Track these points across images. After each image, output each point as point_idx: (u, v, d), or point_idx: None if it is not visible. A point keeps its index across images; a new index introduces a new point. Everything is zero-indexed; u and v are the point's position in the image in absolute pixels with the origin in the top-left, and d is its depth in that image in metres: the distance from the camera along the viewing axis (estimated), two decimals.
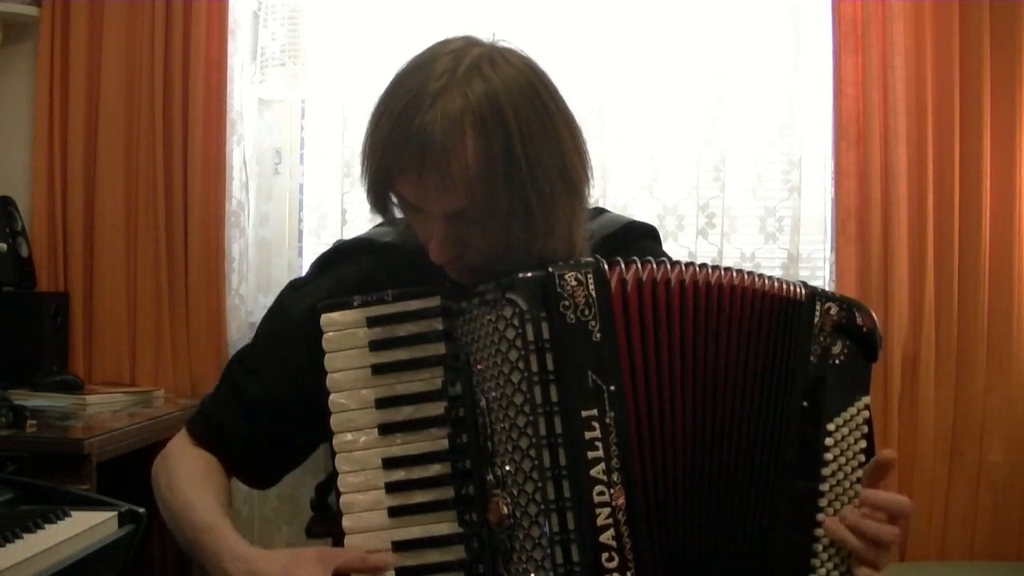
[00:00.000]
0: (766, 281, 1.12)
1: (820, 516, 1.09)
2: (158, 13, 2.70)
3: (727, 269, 1.12)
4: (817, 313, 1.12)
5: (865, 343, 1.12)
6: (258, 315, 2.81)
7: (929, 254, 2.59)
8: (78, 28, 2.74)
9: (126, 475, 2.10)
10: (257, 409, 1.24)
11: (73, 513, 1.42)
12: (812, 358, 1.11)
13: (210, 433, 1.27)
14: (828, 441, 1.10)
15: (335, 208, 2.83)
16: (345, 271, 1.26)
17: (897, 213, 2.59)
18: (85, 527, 1.38)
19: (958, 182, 2.59)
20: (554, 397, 1.03)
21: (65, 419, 2.26)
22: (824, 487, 1.10)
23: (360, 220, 2.74)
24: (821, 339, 1.11)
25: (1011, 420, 2.59)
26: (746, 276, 1.12)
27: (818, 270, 2.78)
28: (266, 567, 1.07)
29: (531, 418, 1.03)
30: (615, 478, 1.03)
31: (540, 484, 1.02)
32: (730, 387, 1.10)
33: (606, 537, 1.02)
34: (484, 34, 1.17)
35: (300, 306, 1.23)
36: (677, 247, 2.74)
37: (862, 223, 2.62)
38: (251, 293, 2.85)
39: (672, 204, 2.76)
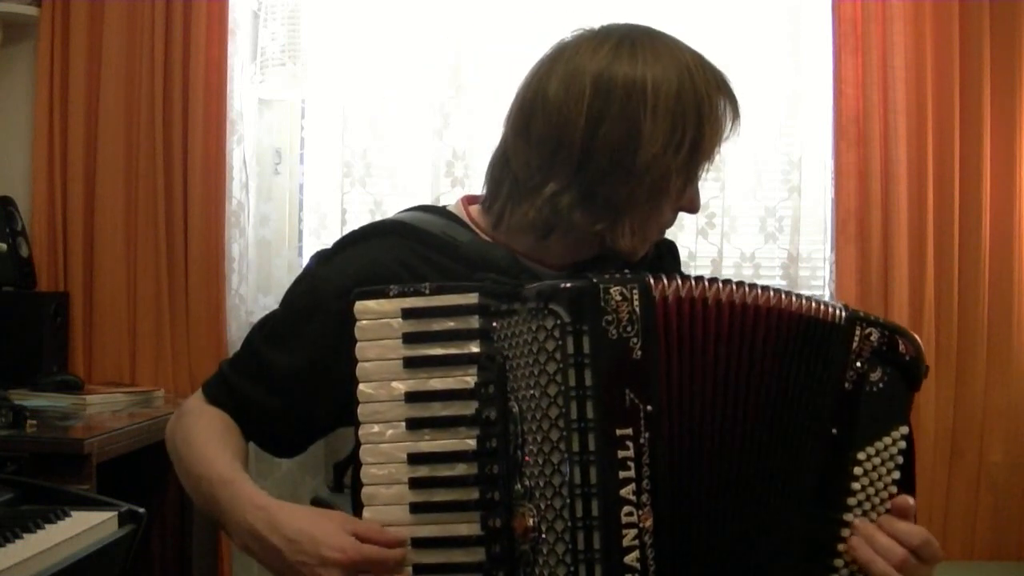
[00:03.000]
0: (803, 302, 1.10)
1: (841, 547, 1.07)
2: (158, 13, 2.70)
3: (763, 288, 1.10)
4: (856, 338, 1.09)
5: (907, 371, 1.10)
6: (258, 315, 2.80)
7: (929, 254, 2.59)
8: (78, 28, 2.74)
9: (126, 475, 2.11)
10: (278, 383, 1.22)
11: (73, 513, 1.42)
12: (846, 384, 1.09)
13: (228, 399, 1.25)
14: (857, 470, 1.08)
15: (335, 208, 2.83)
16: (374, 249, 1.21)
17: (897, 213, 2.59)
18: (85, 527, 1.38)
19: (958, 182, 2.60)
20: (590, 414, 1.01)
21: (65, 419, 2.26)
22: (848, 517, 1.08)
23: (360, 220, 2.74)
24: (858, 365, 1.09)
25: (1011, 420, 2.59)
26: (783, 296, 1.10)
27: (818, 270, 2.78)
28: (288, 518, 1.07)
29: (564, 433, 1.01)
30: (644, 499, 1.01)
31: (568, 500, 1.01)
32: (760, 411, 1.08)
33: (631, 559, 1.01)
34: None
35: (329, 281, 1.20)
36: (677, 247, 2.73)
37: (862, 223, 2.62)
38: (251, 293, 2.85)
39: None
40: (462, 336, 1.08)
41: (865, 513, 1.09)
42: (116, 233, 2.74)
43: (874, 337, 1.09)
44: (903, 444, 1.10)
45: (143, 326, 2.73)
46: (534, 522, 1.02)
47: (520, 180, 1.20)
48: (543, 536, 1.02)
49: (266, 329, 1.26)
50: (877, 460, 1.09)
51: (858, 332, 1.09)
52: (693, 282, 1.07)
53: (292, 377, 1.21)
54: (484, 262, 1.18)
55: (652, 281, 1.05)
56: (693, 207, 1.26)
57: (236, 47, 2.77)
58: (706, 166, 1.23)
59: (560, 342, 1.02)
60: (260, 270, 2.90)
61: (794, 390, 1.09)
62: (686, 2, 2.73)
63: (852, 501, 1.08)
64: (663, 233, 1.27)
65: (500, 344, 1.06)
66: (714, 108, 1.19)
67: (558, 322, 1.02)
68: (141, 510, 1.47)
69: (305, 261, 2.87)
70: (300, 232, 2.96)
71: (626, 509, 1.01)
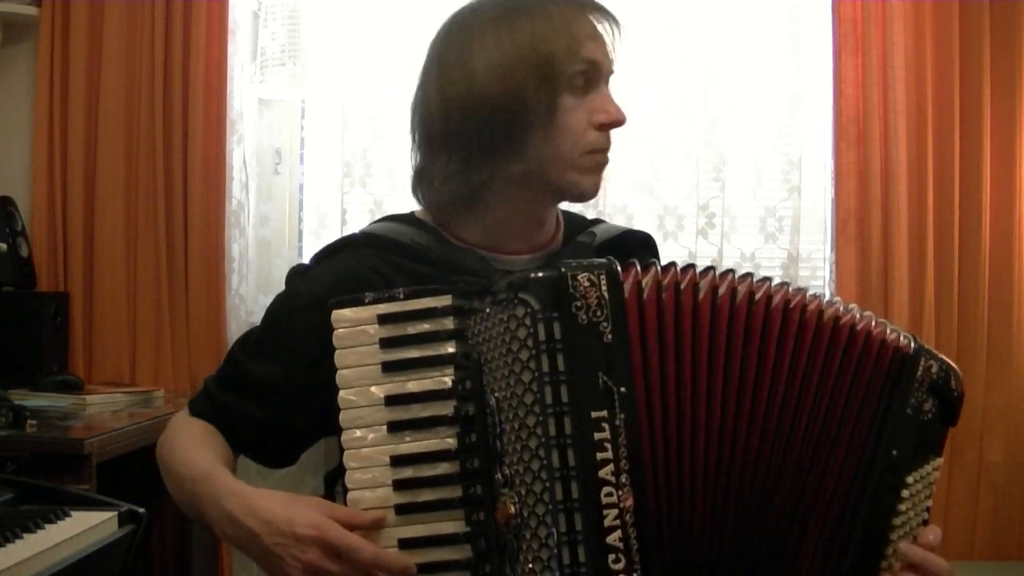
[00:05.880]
0: (872, 323, 1.11)
1: (883, 564, 1.10)
2: (158, 13, 2.70)
3: (799, 290, 1.11)
4: (920, 368, 1.12)
5: (951, 407, 1.14)
6: (258, 315, 2.81)
7: (929, 254, 2.59)
8: (78, 28, 2.74)
9: (126, 475, 2.10)
10: (260, 393, 1.23)
11: (73, 513, 1.42)
12: (908, 409, 1.12)
13: (213, 412, 1.26)
14: (904, 493, 1.11)
15: (335, 208, 2.83)
16: (348, 260, 1.25)
17: (897, 213, 2.59)
18: (85, 527, 1.38)
19: (958, 182, 2.60)
20: (564, 398, 1.03)
21: (65, 419, 2.26)
22: (893, 536, 1.10)
23: (360, 220, 2.75)
24: (919, 393, 1.12)
25: (1011, 420, 2.59)
26: (858, 315, 1.11)
27: (818, 270, 2.78)
28: (264, 502, 1.07)
29: (540, 418, 1.03)
30: (623, 480, 1.02)
31: (548, 484, 1.02)
32: (779, 408, 1.08)
33: (613, 539, 1.01)
34: None
35: (305, 294, 1.23)
36: (677, 247, 2.74)
37: (862, 223, 2.62)
38: (251, 293, 2.85)
39: (672, 204, 2.76)
40: (438, 338, 1.09)
41: (904, 535, 1.11)
42: (116, 233, 2.74)
43: (934, 369, 1.13)
44: (937, 475, 1.14)
45: (143, 326, 2.73)
46: (516, 509, 1.03)
47: (427, 177, 1.25)
48: (526, 521, 1.03)
49: (247, 343, 1.28)
50: (920, 486, 1.12)
51: (922, 362, 1.12)
52: (679, 270, 1.09)
53: (272, 387, 1.23)
54: (452, 264, 1.21)
55: (619, 267, 1.06)
56: (610, 118, 1.22)
57: (236, 47, 2.78)
58: (577, 75, 1.20)
59: (531, 330, 1.03)
60: (260, 270, 2.90)
61: (842, 401, 1.10)
62: (687, 2, 2.73)
63: (897, 522, 1.11)
64: (587, 147, 1.22)
65: (475, 340, 1.07)
66: (542, 21, 1.19)
67: (529, 310, 1.04)
68: (141, 510, 1.48)
69: (305, 261, 2.89)
70: (300, 232, 2.96)
71: (606, 490, 1.02)
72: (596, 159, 1.24)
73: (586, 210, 2.68)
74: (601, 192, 2.63)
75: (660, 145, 2.75)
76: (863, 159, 2.62)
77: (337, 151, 2.83)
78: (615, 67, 1.25)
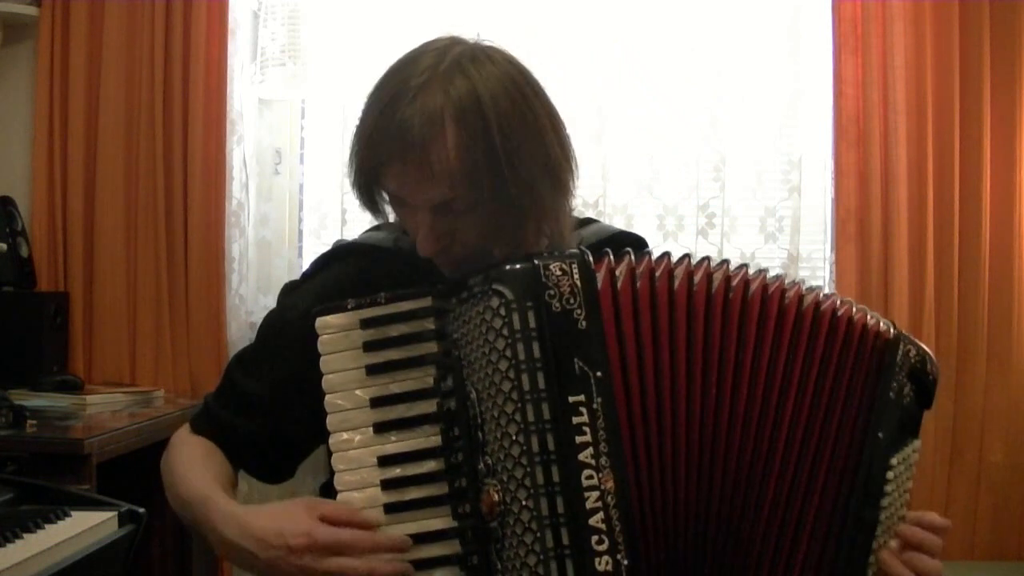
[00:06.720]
0: (853, 309, 1.13)
1: (874, 545, 1.11)
2: (158, 13, 2.70)
3: (777, 277, 1.13)
4: (900, 352, 1.14)
5: (927, 390, 1.16)
6: (258, 315, 2.81)
7: (929, 254, 2.59)
8: (78, 28, 2.74)
9: (126, 475, 2.10)
10: (256, 408, 1.26)
11: (73, 513, 1.42)
12: (891, 393, 1.13)
13: (213, 430, 1.28)
14: (889, 475, 1.12)
15: (335, 208, 2.84)
16: (337, 272, 1.28)
17: (897, 213, 2.59)
18: (85, 527, 1.38)
19: (958, 182, 2.60)
20: (541, 384, 1.04)
21: (65, 419, 2.26)
22: (882, 516, 1.12)
23: (360, 220, 2.73)
24: (900, 377, 1.14)
25: (1011, 420, 2.59)
26: (838, 301, 1.13)
27: (818, 270, 2.78)
28: (257, 521, 1.09)
29: (519, 405, 1.04)
30: (603, 462, 1.04)
31: (529, 469, 1.03)
32: (763, 393, 1.09)
33: (595, 520, 1.03)
34: (469, 33, 1.20)
35: (295, 308, 1.25)
36: (677, 247, 2.74)
37: (862, 223, 2.62)
38: (251, 293, 2.85)
39: (672, 204, 2.76)
40: (419, 338, 1.11)
41: (887, 517, 1.12)
42: (116, 233, 2.74)
43: (912, 354, 1.15)
44: (916, 456, 1.16)
45: (143, 326, 2.73)
46: (499, 496, 1.04)
47: None
48: (508, 507, 1.04)
49: (242, 361, 1.31)
50: (901, 468, 1.14)
51: (902, 347, 1.14)
52: (655, 260, 1.10)
53: (267, 403, 1.25)
54: (436, 267, 1.22)
55: (591, 257, 1.08)
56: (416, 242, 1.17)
57: (236, 47, 2.78)
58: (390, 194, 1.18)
59: (507, 319, 1.05)
60: (260, 270, 2.90)
61: (827, 388, 1.12)
62: (687, 2, 2.73)
63: (885, 502, 1.12)
64: (420, 247, 1.17)
65: (454, 337, 1.09)
66: (360, 130, 1.16)
67: (503, 300, 1.05)
68: (141, 510, 1.47)
69: (305, 261, 2.89)
70: (300, 232, 2.96)
71: (586, 473, 1.03)
72: (421, 247, 1.18)
73: (585, 209, 2.69)
74: (601, 192, 2.68)
75: (660, 145, 2.75)
76: (863, 159, 2.62)
77: (337, 151, 2.84)
78: (433, 198, 1.12)
